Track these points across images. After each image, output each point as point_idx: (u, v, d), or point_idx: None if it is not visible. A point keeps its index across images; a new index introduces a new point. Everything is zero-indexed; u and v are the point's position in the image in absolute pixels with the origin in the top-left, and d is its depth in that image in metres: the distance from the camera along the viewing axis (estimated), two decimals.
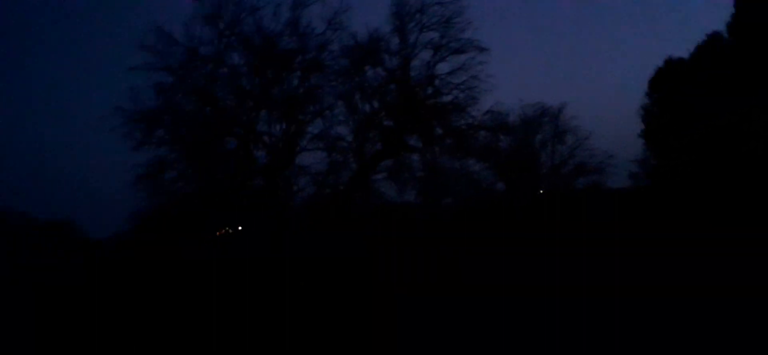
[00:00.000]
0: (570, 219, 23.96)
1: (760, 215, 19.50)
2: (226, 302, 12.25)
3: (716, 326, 8.28)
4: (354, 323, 10.06)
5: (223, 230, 25.80)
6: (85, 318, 11.76)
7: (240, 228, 25.15)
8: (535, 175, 24.85)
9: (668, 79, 22.29)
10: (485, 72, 17.86)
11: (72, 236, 24.05)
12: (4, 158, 68.36)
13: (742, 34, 22.79)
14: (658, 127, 21.76)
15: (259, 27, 17.79)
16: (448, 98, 18.09)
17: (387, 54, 18.24)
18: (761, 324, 8.27)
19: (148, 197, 19.30)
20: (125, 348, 9.29)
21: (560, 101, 25.55)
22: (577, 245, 19.30)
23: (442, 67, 18.37)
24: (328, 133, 19.31)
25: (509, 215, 24.75)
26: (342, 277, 15.61)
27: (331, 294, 13.21)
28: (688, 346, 7.50)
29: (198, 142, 18.75)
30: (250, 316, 10.99)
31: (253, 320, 10.67)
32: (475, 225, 23.31)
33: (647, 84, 23.22)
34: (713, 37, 24.07)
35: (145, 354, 9.08)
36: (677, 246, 17.35)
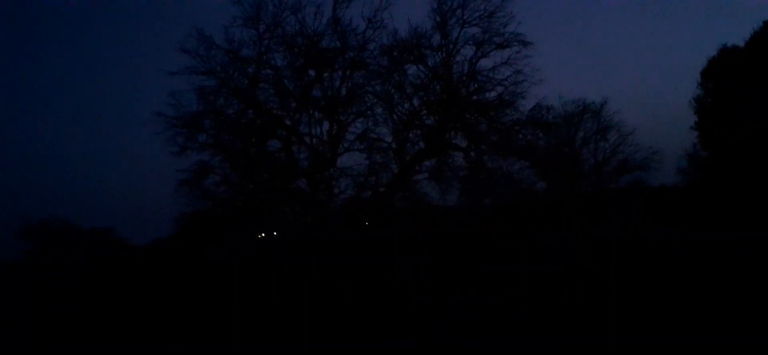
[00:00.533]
0: (607, 219, 23.37)
1: None
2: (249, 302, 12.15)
3: None
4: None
5: (262, 234, 25.76)
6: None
7: (275, 233, 25.09)
8: (576, 173, 24.27)
9: (722, 69, 21.52)
10: (530, 66, 17.45)
11: (113, 243, 24.31)
12: (49, 168, 69.78)
13: None
14: (711, 119, 20.99)
15: (301, 27, 17.74)
16: (492, 95, 17.70)
17: (428, 51, 17.96)
18: None
19: (191, 202, 19.41)
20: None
21: (605, 95, 24.69)
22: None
23: (485, 63, 18.00)
24: (368, 134, 19.18)
25: (550, 215, 24.22)
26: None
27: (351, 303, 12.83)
28: None
29: (240, 146, 18.80)
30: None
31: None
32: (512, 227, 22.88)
33: (700, 75, 22.56)
34: None
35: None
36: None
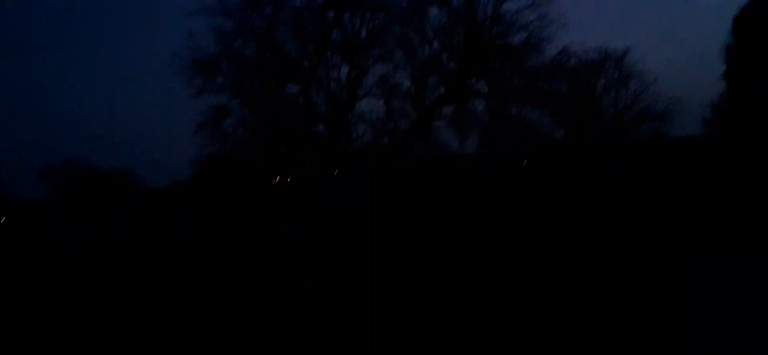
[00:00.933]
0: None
1: None
2: None
3: None
4: None
5: (278, 179, 25.85)
6: None
7: (288, 178, 25.19)
8: (596, 122, 23.92)
9: (757, 17, 20.72)
10: (555, 10, 16.97)
11: (131, 185, 24.57)
12: (69, 110, 70.13)
13: None
14: (742, 68, 20.41)
15: None
16: (516, 39, 17.30)
17: None
18: None
19: (208, 145, 19.47)
20: None
21: (629, 43, 24.08)
22: None
23: (510, 6, 17.55)
24: (387, 79, 18.91)
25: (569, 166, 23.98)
26: None
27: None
28: None
29: (258, 89, 18.65)
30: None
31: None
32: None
33: (733, 21, 21.77)
34: None
35: None
36: None
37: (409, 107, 19.68)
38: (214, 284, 9.90)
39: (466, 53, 17.49)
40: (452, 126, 19.57)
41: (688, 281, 8.06)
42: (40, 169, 22.52)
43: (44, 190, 22.84)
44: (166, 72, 18.65)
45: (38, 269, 12.86)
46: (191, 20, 18.03)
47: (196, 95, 18.50)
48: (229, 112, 18.96)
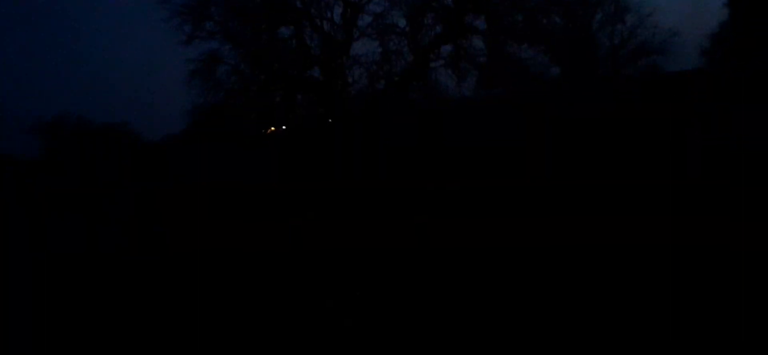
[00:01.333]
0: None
1: None
2: None
3: None
4: None
5: (272, 129, 25.58)
6: None
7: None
8: (591, 58, 23.70)
9: None
10: None
11: (126, 139, 24.26)
12: (61, 63, 68.18)
13: None
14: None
15: None
16: None
17: None
18: None
19: (202, 94, 19.15)
20: None
21: None
22: None
23: None
24: (381, 19, 18.48)
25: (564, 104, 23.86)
26: None
27: None
28: None
29: (250, 34, 18.21)
30: None
31: None
32: None
33: None
34: None
35: None
36: None
37: (405, 48, 19.39)
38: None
39: None
40: (450, 67, 19.35)
41: None
42: (32, 124, 22.12)
43: (37, 146, 22.51)
44: (155, 18, 17.98)
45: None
46: None
47: (187, 42, 18.11)
48: (222, 59, 18.61)
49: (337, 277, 8.34)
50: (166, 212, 12.23)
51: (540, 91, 22.62)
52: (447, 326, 5.92)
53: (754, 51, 19.13)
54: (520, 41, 18.68)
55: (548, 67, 23.99)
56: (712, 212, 10.16)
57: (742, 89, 15.87)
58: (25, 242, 11.35)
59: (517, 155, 15.43)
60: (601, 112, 20.65)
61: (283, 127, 25.40)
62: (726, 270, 8.50)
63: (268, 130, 25.32)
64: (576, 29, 22.39)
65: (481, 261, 8.63)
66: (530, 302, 6.82)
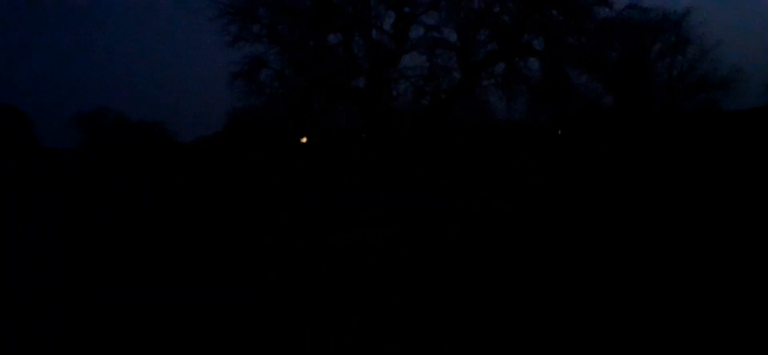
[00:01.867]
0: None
1: None
2: None
3: None
4: None
5: (305, 138, 24.94)
6: None
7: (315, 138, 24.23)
8: (648, 89, 22.53)
9: None
10: None
11: (160, 138, 23.98)
12: (101, 59, 69.40)
13: None
14: None
15: None
16: None
17: None
18: None
19: (243, 97, 18.62)
20: None
21: (689, 5, 22.39)
22: None
23: None
24: (431, 33, 17.71)
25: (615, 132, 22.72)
26: None
27: None
28: None
29: (297, 38, 17.65)
30: None
31: None
32: None
33: None
34: None
35: None
36: None
37: (454, 64, 18.61)
38: None
39: (524, 4, 16.17)
40: (501, 86, 18.47)
41: None
42: (72, 116, 22.08)
43: (76, 138, 22.44)
44: (201, 18, 17.60)
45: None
46: None
47: (232, 43, 17.62)
48: (266, 62, 18.07)
49: None
50: None
51: (594, 120, 21.61)
52: None
53: None
54: (577, 66, 17.75)
55: (602, 95, 23.02)
56: None
57: None
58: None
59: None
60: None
61: (317, 137, 24.82)
62: None
63: (302, 140, 24.79)
64: (633, 57, 21.32)
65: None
66: None
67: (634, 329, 5.08)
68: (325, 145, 23.96)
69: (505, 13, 16.70)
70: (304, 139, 24.27)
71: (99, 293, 6.85)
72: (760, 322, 5.09)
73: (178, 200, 17.87)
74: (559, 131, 21.61)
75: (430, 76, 18.62)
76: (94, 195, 18.75)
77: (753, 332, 4.92)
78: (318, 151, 23.61)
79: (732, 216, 9.82)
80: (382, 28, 16.91)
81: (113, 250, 9.60)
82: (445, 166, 18.90)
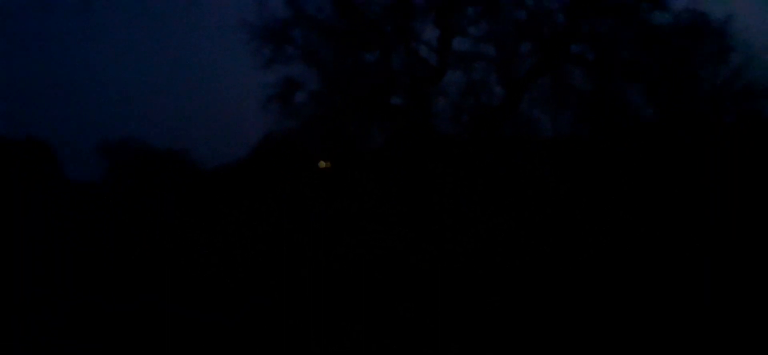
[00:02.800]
0: None
1: None
2: None
3: None
4: None
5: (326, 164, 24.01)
6: None
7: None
8: (690, 99, 21.65)
9: None
10: None
11: (182, 166, 23.25)
12: (127, 85, 68.73)
13: None
14: None
15: None
16: None
17: None
18: None
19: (278, 120, 17.89)
20: None
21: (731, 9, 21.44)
22: None
23: None
24: (475, 46, 16.95)
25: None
26: None
27: None
28: None
29: (333, 57, 16.94)
30: None
31: None
32: None
33: None
34: None
35: None
36: None
37: (495, 80, 17.84)
38: None
39: (572, 11, 15.37)
40: (546, 102, 17.67)
41: None
42: (97, 146, 21.55)
43: (101, 167, 21.84)
44: (233, 40, 17.01)
45: None
46: None
47: (266, 65, 16.95)
48: (301, 84, 17.34)
49: None
50: None
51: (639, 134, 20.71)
52: None
53: None
54: (627, 77, 16.94)
55: (643, 107, 22.15)
56: None
57: None
58: None
59: None
60: None
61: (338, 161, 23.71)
62: None
63: (321, 164, 23.83)
64: (678, 66, 20.48)
65: None
66: None
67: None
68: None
69: (551, 23, 15.91)
70: (324, 164, 23.37)
71: None
72: None
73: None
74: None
75: (467, 92, 17.88)
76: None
77: None
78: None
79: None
80: (425, 42, 16.15)
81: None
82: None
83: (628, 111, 19.63)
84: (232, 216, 17.21)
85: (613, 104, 17.88)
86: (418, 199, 17.23)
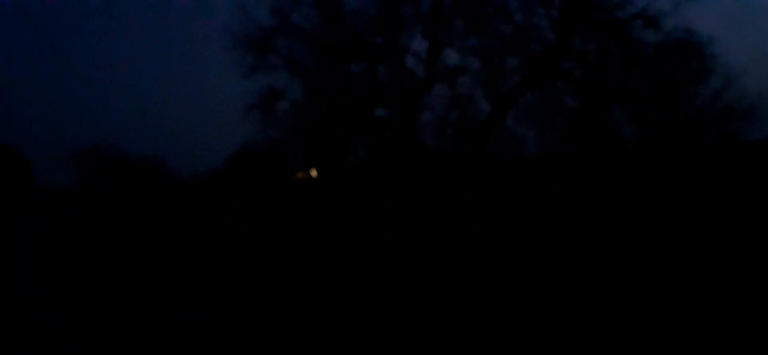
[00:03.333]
0: None
1: None
2: None
3: None
4: None
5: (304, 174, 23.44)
6: None
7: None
8: (674, 120, 21.85)
9: None
10: None
11: (158, 174, 22.48)
12: (101, 88, 65.79)
13: None
14: None
15: None
16: (629, 10, 15.02)
17: None
18: None
19: (259, 130, 17.44)
20: None
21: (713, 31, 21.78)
22: None
23: None
24: (462, 60, 16.76)
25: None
26: None
27: None
28: None
29: (318, 67, 16.58)
30: None
31: None
32: None
33: None
34: None
35: None
36: None
37: (481, 94, 17.68)
38: None
39: (562, 27, 15.31)
40: (532, 118, 17.55)
41: None
42: (69, 152, 20.75)
43: (74, 175, 21.02)
44: (214, 48, 16.54)
45: None
46: None
47: (249, 74, 16.53)
48: (283, 94, 16.94)
49: None
50: None
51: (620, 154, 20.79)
52: None
53: None
54: (616, 96, 16.98)
55: (624, 126, 22.29)
56: None
57: None
58: None
59: None
60: None
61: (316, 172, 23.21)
62: None
63: (298, 175, 23.23)
64: (659, 86, 20.66)
65: None
66: None
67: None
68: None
69: (540, 39, 15.83)
70: (304, 174, 22.83)
71: None
72: None
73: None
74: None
75: (452, 106, 17.68)
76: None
77: None
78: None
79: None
80: (413, 53, 15.91)
81: None
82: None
83: (612, 130, 19.72)
84: (207, 226, 16.61)
85: (597, 123, 17.89)
86: (401, 209, 16.93)
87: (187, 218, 17.04)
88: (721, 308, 6.35)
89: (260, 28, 16.39)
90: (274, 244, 12.93)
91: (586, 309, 6.63)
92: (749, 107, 21.34)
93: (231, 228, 16.62)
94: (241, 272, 9.43)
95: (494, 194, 18.78)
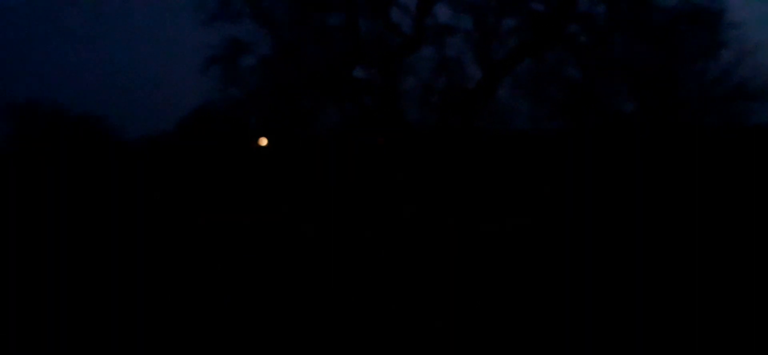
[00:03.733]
0: None
1: None
2: None
3: None
4: None
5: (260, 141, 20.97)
6: None
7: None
8: (674, 97, 20.22)
9: None
10: None
11: (99, 135, 19.97)
12: (35, 41, 61.13)
13: None
14: None
15: None
16: None
17: None
18: None
19: (220, 88, 15.07)
20: None
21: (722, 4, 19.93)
22: None
23: None
24: (450, 21, 14.62)
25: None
26: None
27: None
28: None
29: (288, 15, 14.24)
30: None
31: None
32: None
33: None
34: None
35: None
36: None
37: (472, 58, 15.62)
38: None
39: None
40: (527, 87, 15.57)
41: None
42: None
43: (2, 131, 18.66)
44: None
45: None
46: None
47: (209, 22, 14.10)
48: (249, 48, 14.56)
49: None
50: None
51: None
52: None
53: None
54: (613, 67, 15.13)
55: (624, 101, 20.57)
56: None
57: None
58: None
59: None
60: None
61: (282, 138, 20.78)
62: None
63: (257, 142, 20.83)
64: (666, 59, 18.91)
65: None
66: None
67: None
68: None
69: None
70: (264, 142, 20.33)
71: None
72: None
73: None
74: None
75: (439, 70, 15.59)
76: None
77: None
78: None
79: None
80: (401, 5, 13.66)
81: None
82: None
83: (613, 105, 17.96)
84: (154, 196, 14.53)
85: (599, 96, 16.08)
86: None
87: (131, 186, 14.85)
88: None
89: None
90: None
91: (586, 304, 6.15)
92: (764, 86, 19.85)
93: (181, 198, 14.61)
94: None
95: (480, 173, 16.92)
